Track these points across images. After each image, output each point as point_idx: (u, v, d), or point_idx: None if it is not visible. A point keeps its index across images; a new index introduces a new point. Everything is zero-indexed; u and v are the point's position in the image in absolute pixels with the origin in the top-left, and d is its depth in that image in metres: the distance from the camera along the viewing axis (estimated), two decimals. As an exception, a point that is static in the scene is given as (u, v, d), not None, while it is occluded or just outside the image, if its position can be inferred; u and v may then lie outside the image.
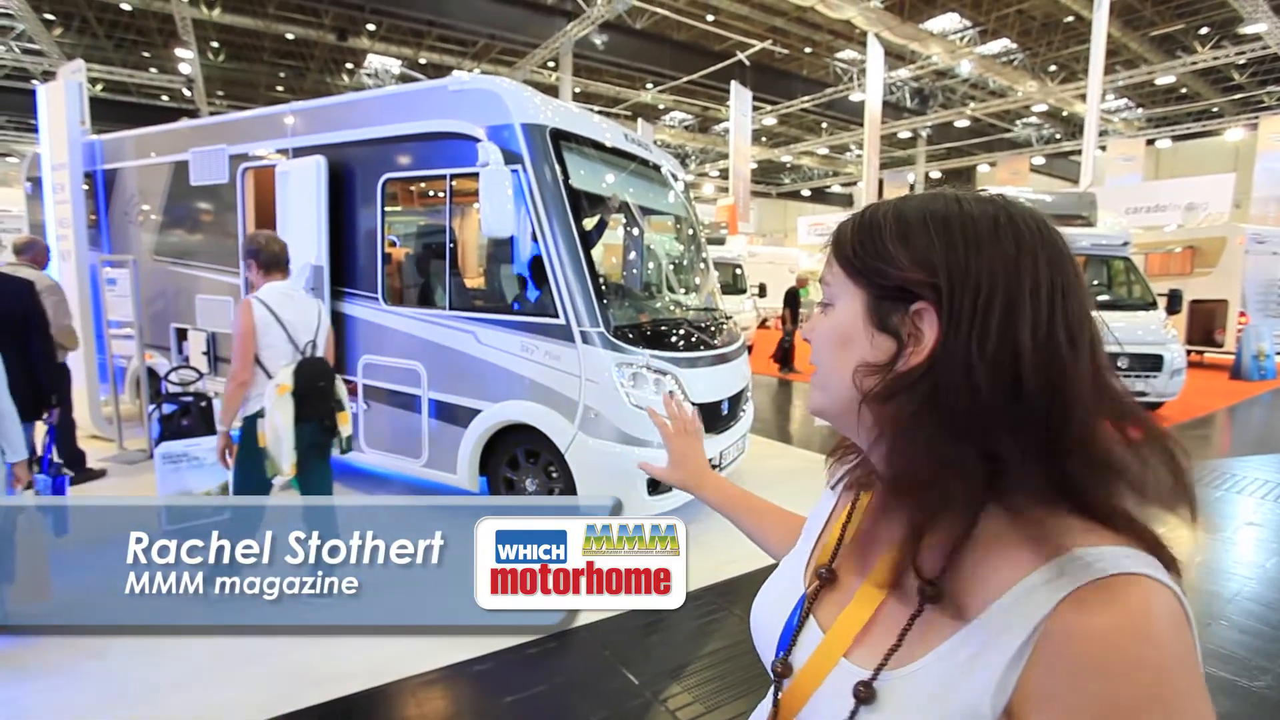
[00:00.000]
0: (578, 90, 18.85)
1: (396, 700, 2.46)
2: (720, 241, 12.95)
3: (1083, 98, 16.39)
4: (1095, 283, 8.69)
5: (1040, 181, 22.96)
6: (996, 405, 0.49)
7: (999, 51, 17.83)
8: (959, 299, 0.51)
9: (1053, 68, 19.02)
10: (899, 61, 18.23)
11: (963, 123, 22.63)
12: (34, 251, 4.52)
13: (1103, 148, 13.96)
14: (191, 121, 5.60)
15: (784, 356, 10.64)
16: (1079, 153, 17.04)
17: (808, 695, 0.57)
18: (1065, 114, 21.37)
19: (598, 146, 4.06)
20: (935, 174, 27.68)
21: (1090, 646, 0.44)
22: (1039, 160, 24.01)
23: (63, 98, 5.49)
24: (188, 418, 3.86)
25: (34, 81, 16.18)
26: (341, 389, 3.07)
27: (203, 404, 3.94)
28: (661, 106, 23.08)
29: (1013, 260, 0.52)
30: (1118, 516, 0.49)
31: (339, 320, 4.24)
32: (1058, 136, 24.43)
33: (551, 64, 17.93)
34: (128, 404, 5.60)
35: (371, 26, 17.16)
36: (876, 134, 15.84)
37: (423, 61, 18.70)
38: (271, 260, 2.89)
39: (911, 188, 24.03)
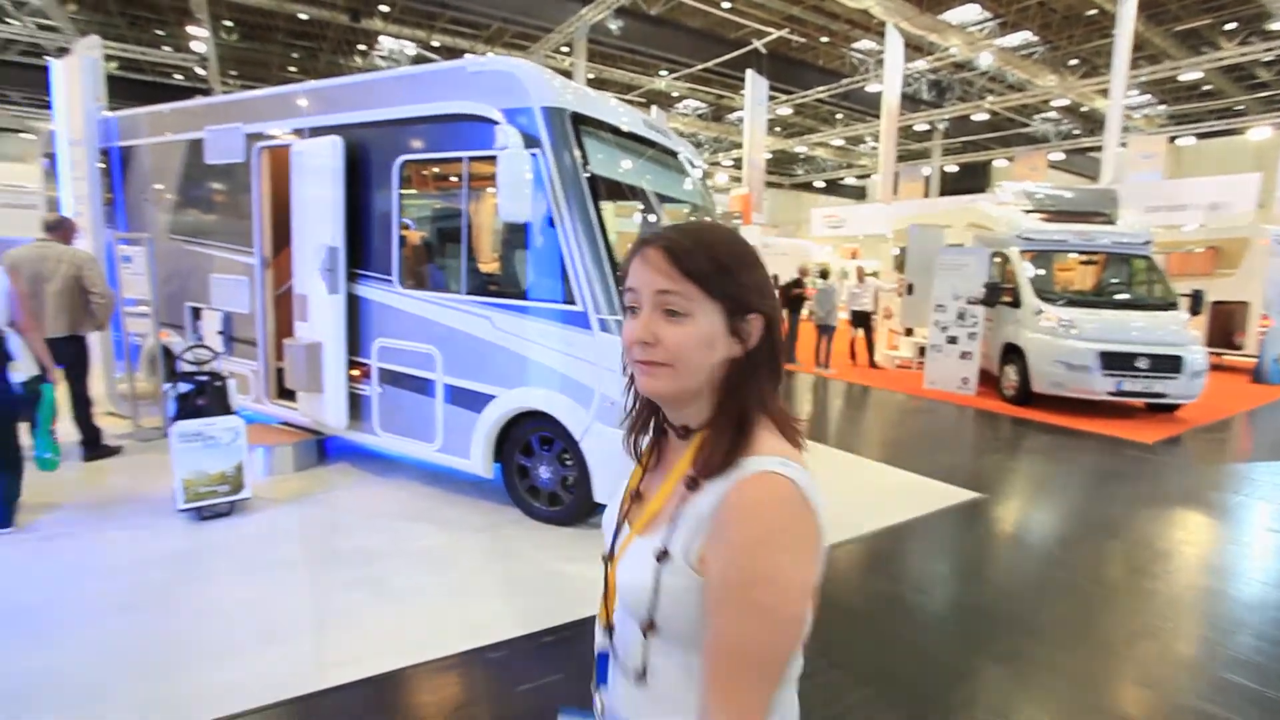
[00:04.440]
0: (591, 76, 18.68)
1: (410, 685, 2.45)
2: (733, 231, 12.83)
3: (1103, 93, 16.12)
4: (1115, 281, 8.57)
5: (1058, 178, 22.66)
6: (772, 370, 0.84)
7: (1019, 44, 17.53)
8: (771, 310, 0.83)
9: (1073, 62, 18.70)
10: (916, 53, 17.96)
11: (980, 116, 22.34)
12: (64, 228, 4.65)
13: (1123, 144, 13.73)
14: (207, 99, 5.56)
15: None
16: (1098, 149, 16.77)
17: (620, 569, 0.87)
18: (1085, 109, 21.04)
19: (616, 131, 3.99)
20: (951, 168, 27.36)
21: (737, 511, 0.74)
22: (1057, 156, 23.69)
23: (79, 74, 5.46)
24: (203, 397, 3.85)
25: (48, 58, 16.17)
26: None
27: (217, 384, 3.93)
28: (675, 94, 22.87)
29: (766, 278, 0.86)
30: (791, 432, 0.84)
31: (354, 302, 4.22)
32: (1076, 132, 24.08)
33: (565, 49, 17.76)
34: (143, 382, 5.60)
35: (385, 8, 17.03)
36: (894, 126, 15.67)
37: (435, 44, 18.57)
38: None
39: (927, 182, 23.77)
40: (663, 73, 20.35)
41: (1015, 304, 8.18)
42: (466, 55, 17.88)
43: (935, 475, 5.14)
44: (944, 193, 24.12)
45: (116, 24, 17.53)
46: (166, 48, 18.86)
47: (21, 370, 3.75)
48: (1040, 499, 5.05)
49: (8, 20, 15.82)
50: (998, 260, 8.65)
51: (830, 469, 5.37)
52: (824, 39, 18.98)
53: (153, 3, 16.55)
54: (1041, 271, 8.28)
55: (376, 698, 2.37)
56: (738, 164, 22.36)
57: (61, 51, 8.72)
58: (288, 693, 2.34)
